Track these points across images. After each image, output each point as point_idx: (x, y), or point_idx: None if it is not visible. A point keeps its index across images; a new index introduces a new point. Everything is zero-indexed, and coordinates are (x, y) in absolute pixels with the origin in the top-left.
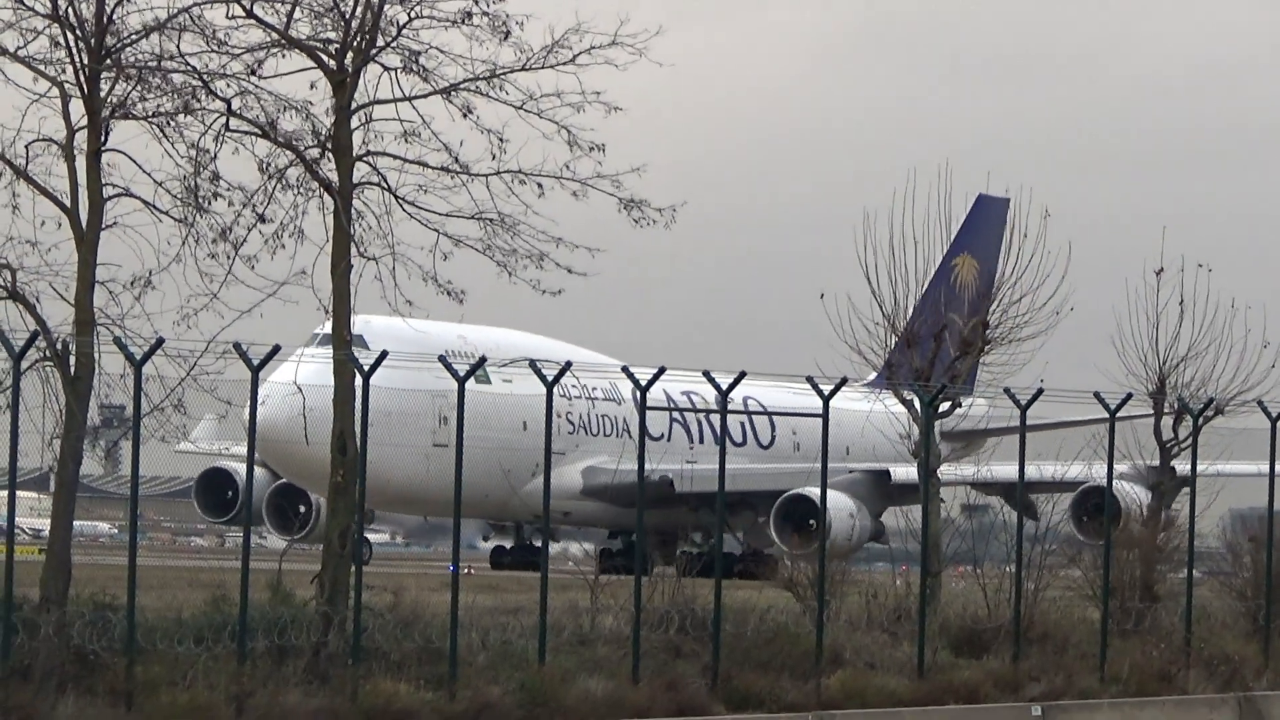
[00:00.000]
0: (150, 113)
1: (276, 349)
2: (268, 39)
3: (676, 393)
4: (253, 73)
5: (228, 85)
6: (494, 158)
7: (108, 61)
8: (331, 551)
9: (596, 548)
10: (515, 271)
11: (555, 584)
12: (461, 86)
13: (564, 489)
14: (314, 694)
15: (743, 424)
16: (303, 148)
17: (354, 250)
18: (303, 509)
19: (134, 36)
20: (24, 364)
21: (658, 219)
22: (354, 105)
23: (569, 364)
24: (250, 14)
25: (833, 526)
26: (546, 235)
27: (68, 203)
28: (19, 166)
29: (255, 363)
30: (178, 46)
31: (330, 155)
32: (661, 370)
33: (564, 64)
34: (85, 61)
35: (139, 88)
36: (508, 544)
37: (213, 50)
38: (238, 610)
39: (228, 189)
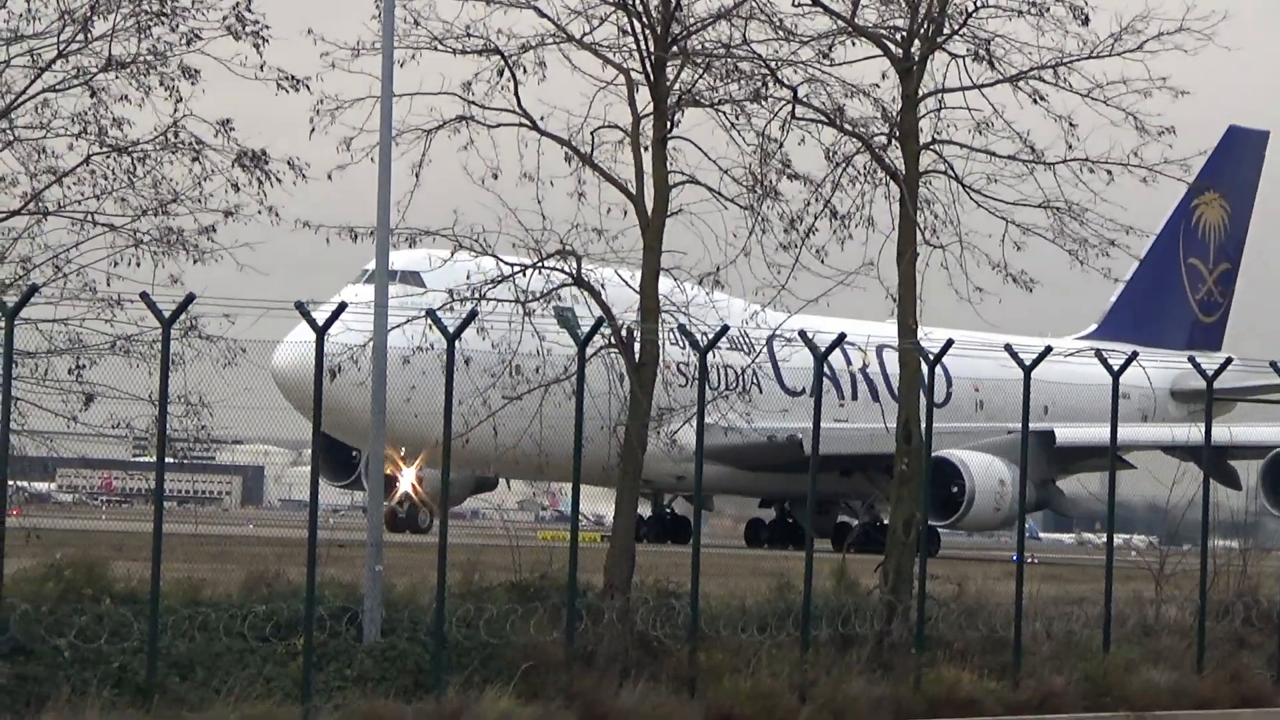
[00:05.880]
0: (716, 100)
1: (842, 336)
2: (834, 26)
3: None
4: (824, 57)
5: (794, 73)
6: (1069, 146)
7: (674, 49)
8: (895, 540)
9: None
10: (1085, 260)
11: (1118, 573)
12: (1029, 74)
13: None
14: (877, 682)
15: None
16: (869, 135)
17: (919, 238)
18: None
19: (701, 24)
20: (588, 350)
21: None
22: (920, 93)
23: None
24: (817, 2)
25: (976, 496)
26: (1115, 223)
27: (633, 190)
28: (585, 154)
29: (821, 350)
30: (744, 34)
31: (897, 143)
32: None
33: (1131, 51)
34: (651, 49)
35: (705, 75)
36: (644, 514)
37: (779, 38)
38: (801, 598)
39: (794, 176)
